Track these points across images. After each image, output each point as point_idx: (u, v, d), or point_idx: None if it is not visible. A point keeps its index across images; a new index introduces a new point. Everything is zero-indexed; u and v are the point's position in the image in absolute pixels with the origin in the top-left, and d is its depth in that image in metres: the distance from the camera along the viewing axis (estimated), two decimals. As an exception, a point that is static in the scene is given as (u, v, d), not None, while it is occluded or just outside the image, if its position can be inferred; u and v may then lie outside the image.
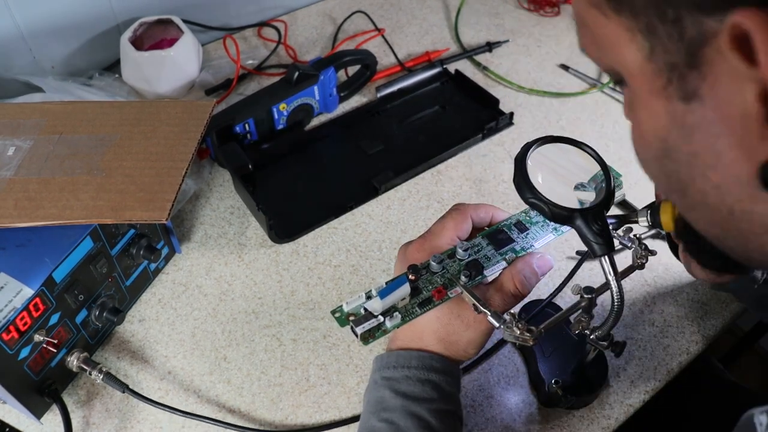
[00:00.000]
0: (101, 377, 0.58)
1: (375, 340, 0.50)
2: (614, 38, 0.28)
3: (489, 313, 0.50)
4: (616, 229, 0.51)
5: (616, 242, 0.48)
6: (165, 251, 0.70)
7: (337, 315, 0.51)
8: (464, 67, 0.95)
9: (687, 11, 0.24)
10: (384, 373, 0.53)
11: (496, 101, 0.87)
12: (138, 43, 0.86)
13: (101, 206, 0.56)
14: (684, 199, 0.31)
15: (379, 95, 0.89)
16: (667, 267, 0.70)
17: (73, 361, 0.59)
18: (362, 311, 0.50)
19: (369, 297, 0.51)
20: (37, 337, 0.55)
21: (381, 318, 0.50)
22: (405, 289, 0.50)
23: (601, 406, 0.60)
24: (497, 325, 0.49)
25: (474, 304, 0.50)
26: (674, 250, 0.49)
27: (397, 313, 0.51)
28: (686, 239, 0.43)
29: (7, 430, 0.58)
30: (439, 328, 0.52)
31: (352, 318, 0.50)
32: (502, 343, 0.64)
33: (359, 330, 0.49)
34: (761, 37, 0.22)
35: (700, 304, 0.68)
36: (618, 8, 0.27)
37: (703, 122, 0.27)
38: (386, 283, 0.51)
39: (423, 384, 0.51)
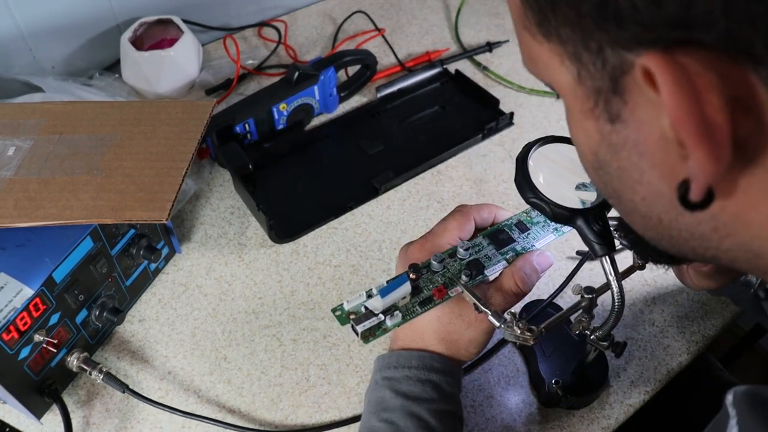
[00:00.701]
0: (101, 377, 0.58)
1: (375, 338, 0.50)
2: (546, 60, 0.29)
3: (489, 313, 0.50)
4: (617, 230, 0.51)
5: (616, 242, 0.48)
6: (165, 251, 0.70)
7: (337, 313, 0.51)
8: (464, 67, 0.95)
9: (607, 44, 0.25)
10: (385, 373, 0.53)
11: (496, 101, 0.87)
12: (138, 43, 0.86)
13: (101, 206, 0.56)
14: (619, 205, 0.33)
15: (379, 95, 0.89)
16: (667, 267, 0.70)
17: (73, 361, 0.59)
18: (363, 310, 0.51)
19: (370, 296, 0.51)
20: (37, 337, 0.54)
21: (381, 317, 0.50)
22: (406, 287, 0.50)
23: (601, 406, 0.60)
24: (498, 324, 0.49)
25: (474, 304, 0.50)
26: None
27: (397, 311, 0.51)
28: (632, 239, 0.45)
29: (7, 430, 0.58)
30: (440, 328, 0.52)
31: (352, 317, 0.50)
32: (502, 342, 0.64)
33: (360, 328, 0.49)
34: (663, 79, 0.23)
35: (700, 304, 0.68)
36: (547, 35, 0.28)
37: (627, 142, 0.28)
38: (387, 281, 0.52)
39: (423, 384, 0.51)
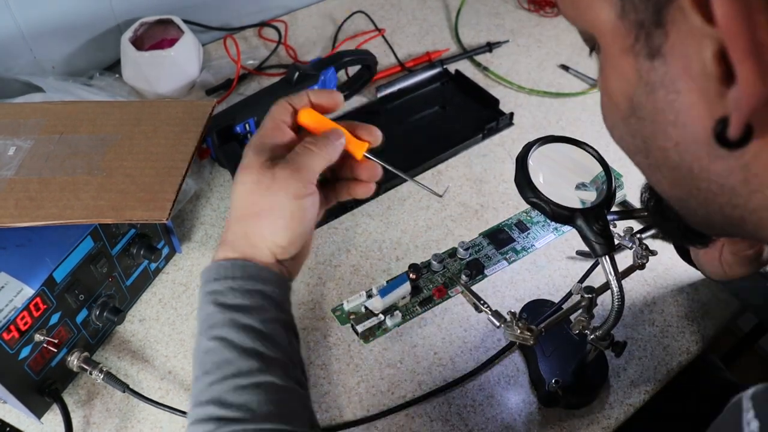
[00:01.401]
0: (101, 377, 0.58)
1: (376, 338, 0.50)
2: None
3: (489, 313, 0.50)
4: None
5: (616, 242, 0.48)
6: (165, 251, 0.70)
7: (337, 313, 0.51)
8: (464, 67, 0.95)
9: None
10: (208, 287, 0.48)
11: (496, 101, 0.87)
12: (138, 43, 0.86)
13: (102, 206, 0.56)
14: (647, 159, 0.32)
15: (379, 95, 0.89)
16: (667, 267, 0.70)
17: (74, 360, 0.59)
18: (363, 310, 0.51)
19: (370, 296, 0.51)
20: (38, 337, 0.55)
21: (381, 316, 0.50)
22: (405, 287, 0.51)
23: (601, 406, 0.60)
24: (497, 324, 0.49)
25: (474, 304, 0.50)
26: (682, 254, 0.49)
27: (397, 311, 0.51)
28: (652, 208, 0.44)
29: (8, 429, 0.58)
30: (240, 204, 0.48)
31: (352, 317, 0.50)
32: (510, 346, 0.64)
33: (360, 328, 0.49)
34: None
35: (700, 304, 0.68)
36: None
37: (666, 79, 0.28)
38: (387, 282, 0.52)
39: (251, 295, 0.47)
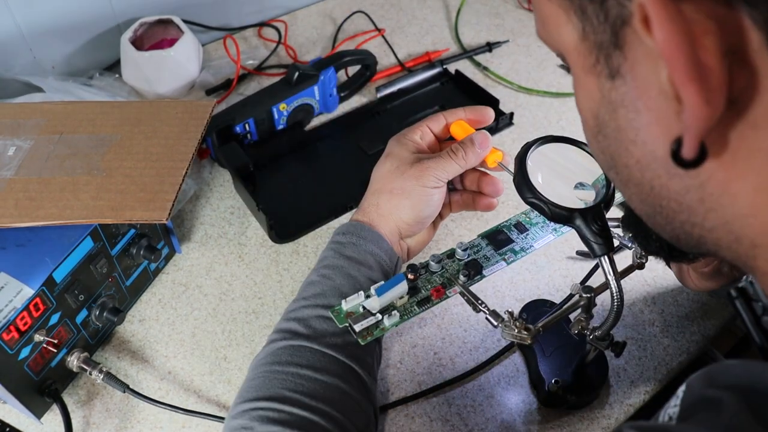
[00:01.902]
0: (101, 377, 0.58)
1: (373, 338, 0.50)
2: (555, 19, 0.30)
3: (487, 313, 0.50)
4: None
5: (615, 242, 0.48)
6: (165, 251, 0.70)
7: (335, 313, 0.51)
8: (464, 67, 0.95)
9: None
10: (335, 238, 0.58)
11: (496, 101, 0.87)
12: (138, 43, 0.86)
13: (101, 206, 0.56)
14: (617, 176, 0.33)
15: (379, 95, 0.89)
16: (666, 267, 0.70)
17: (74, 361, 0.59)
18: (361, 309, 0.51)
19: (368, 296, 0.51)
20: (38, 337, 0.55)
21: (379, 316, 0.50)
22: (402, 287, 0.51)
23: (601, 406, 0.60)
24: (495, 324, 0.49)
25: (473, 304, 0.50)
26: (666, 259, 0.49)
27: (395, 311, 0.51)
28: (633, 227, 0.45)
29: (8, 429, 0.58)
30: (378, 180, 0.58)
31: (350, 316, 0.50)
32: (510, 346, 0.64)
33: (357, 327, 0.49)
34: (654, 13, 0.23)
35: (700, 304, 0.68)
36: None
37: (626, 99, 0.28)
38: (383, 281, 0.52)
39: (364, 254, 0.56)
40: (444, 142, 0.61)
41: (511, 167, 0.51)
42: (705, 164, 0.27)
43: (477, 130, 0.59)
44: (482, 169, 0.60)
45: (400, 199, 0.56)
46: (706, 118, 0.24)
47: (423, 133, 0.60)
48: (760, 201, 0.26)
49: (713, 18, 0.23)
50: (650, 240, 0.43)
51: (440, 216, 0.61)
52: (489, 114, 0.60)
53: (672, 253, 0.43)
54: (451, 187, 0.62)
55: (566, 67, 0.34)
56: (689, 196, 0.29)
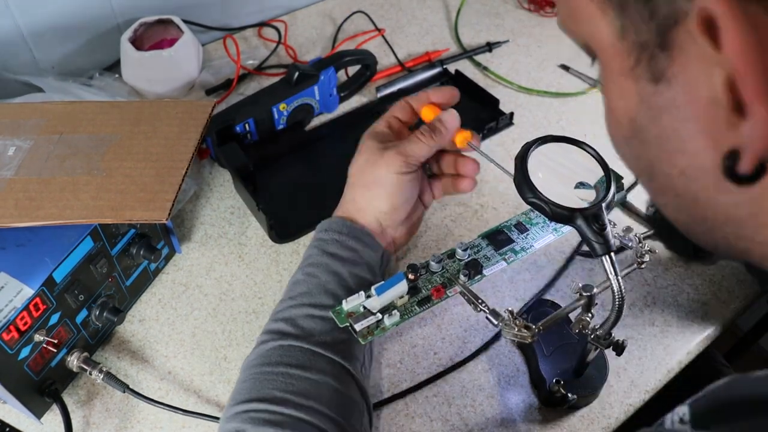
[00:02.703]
0: (101, 377, 0.58)
1: (374, 337, 0.50)
2: (588, 13, 0.28)
3: (487, 313, 0.50)
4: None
5: (616, 242, 0.48)
6: (165, 251, 0.70)
7: (336, 313, 0.51)
8: (464, 67, 0.95)
9: None
10: (318, 235, 0.59)
11: (496, 101, 0.87)
12: (138, 43, 0.86)
13: (101, 206, 0.56)
14: (652, 182, 0.31)
15: (379, 95, 0.89)
16: (667, 267, 0.70)
17: (74, 360, 0.59)
18: (361, 309, 0.51)
19: (369, 296, 0.51)
20: (38, 337, 0.55)
21: (379, 315, 0.50)
22: (402, 286, 0.51)
23: (601, 406, 0.60)
24: (495, 323, 0.49)
25: (473, 303, 0.50)
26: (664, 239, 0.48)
27: (396, 311, 0.51)
28: (659, 224, 0.44)
29: (8, 430, 0.58)
30: (354, 175, 0.59)
31: (351, 316, 0.50)
32: (496, 338, 0.64)
33: (357, 327, 0.49)
34: (726, 22, 0.21)
35: (700, 304, 0.68)
36: None
37: (671, 105, 0.26)
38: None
39: (348, 250, 0.56)
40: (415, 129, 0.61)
41: (484, 150, 0.54)
42: (763, 179, 0.25)
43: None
44: (457, 151, 0.61)
45: (375, 190, 0.58)
46: None
47: (390, 123, 0.61)
48: None
49: None
50: (676, 239, 0.41)
51: (423, 204, 0.63)
52: (454, 93, 0.61)
53: (697, 254, 0.42)
54: (430, 173, 0.64)
55: (592, 58, 0.31)
56: (740, 210, 0.27)
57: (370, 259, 0.57)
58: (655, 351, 0.64)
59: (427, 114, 0.61)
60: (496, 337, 0.64)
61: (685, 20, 0.23)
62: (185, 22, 0.88)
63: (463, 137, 0.58)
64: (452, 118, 0.58)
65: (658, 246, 0.71)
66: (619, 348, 0.51)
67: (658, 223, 0.44)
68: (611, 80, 0.29)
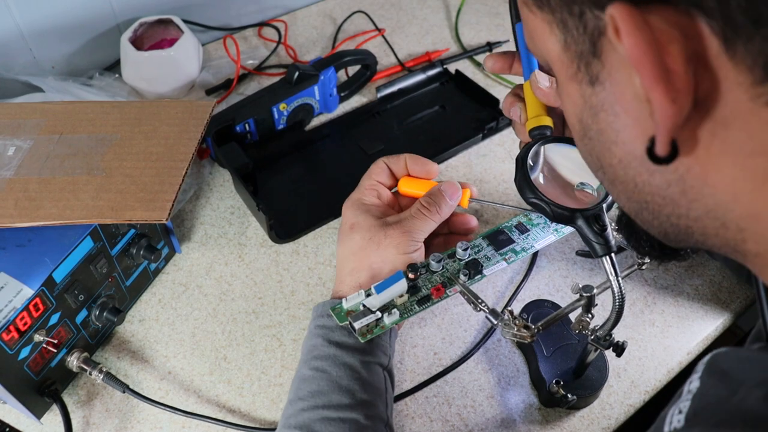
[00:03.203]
0: (101, 377, 0.58)
1: (373, 335, 0.50)
2: (540, 31, 0.32)
3: (487, 312, 0.50)
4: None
5: (616, 242, 0.48)
6: (165, 251, 0.70)
7: (336, 312, 0.51)
8: (464, 67, 0.95)
9: (587, 7, 0.28)
10: (318, 321, 0.54)
11: (496, 101, 0.87)
12: (138, 43, 0.86)
13: (101, 206, 0.56)
14: (604, 175, 0.35)
15: (379, 95, 0.89)
16: (667, 267, 0.70)
17: (73, 361, 0.59)
18: (361, 308, 0.51)
19: (368, 295, 0.51)
20: (37, 337, 0.54)
21: (379, 314, 0.50)
22: (402, 284, 0.51)
23: (601, 406, 0.60)
24: (494, 322, 0.49)
25: (473, 303, 0.50)
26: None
27: (395, 309, 0.51)
28: (625, 228, 0.45)
29: (7, 430, 0.58)
30: (353, 258, 0.54)
31: (350, 314, 0.50)
32: (489, 331, 0.64)
33: (357, 325, 0.49)
34: (623, 25, 0.25)
35: (700, 304, 0.68)
36: (540, 5, 0.31)
37: (605, 103, 0.30)
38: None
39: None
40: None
41: (484, 197, 0.52)
42: (680, 160, 0.28)
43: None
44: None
45: (383, 272, 0.54)
46: (673, 117, 0.26)
47: (379, 192, 0.58)
48: (739, 189, 0.28)
49: (677, 27, 0.25)
50: (641, 241, 0.43)
51: None
52: (435, 169, 0.59)
53: (663, 252, 0.44)
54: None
55: (550, 73, 0.36)
56: (671, 189, 0.30)
57: (380, 338, 0.53)
58: (655, 351, 0.64)
59: (406, 186, 0.58)
60: (496, 336, 0.64)
61: (606, 30, 0.27)
62: (185, 22, 0.88)
63: (466, 198, 0.57)
64: (455, 189, 0.56)
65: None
66: (619, 349, 0.51)
67: (623, 226, 0.45)
68: (563, 87, 0.34)
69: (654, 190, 0.31)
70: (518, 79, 0.93)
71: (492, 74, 0.94)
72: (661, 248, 0.43)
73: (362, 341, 0.50)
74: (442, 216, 0.56)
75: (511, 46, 1.00)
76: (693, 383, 0.33)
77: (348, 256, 0.55)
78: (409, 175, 0.59)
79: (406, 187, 0.59)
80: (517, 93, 0.54)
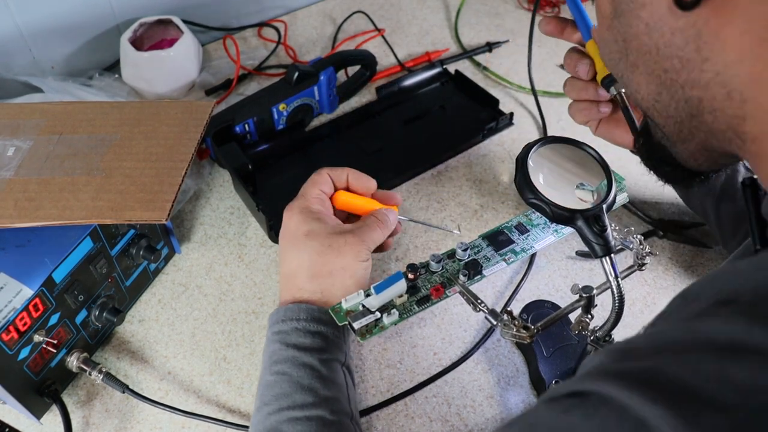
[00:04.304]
0: (101, 377, 0.58)
1: (372, 335, 0.50)
2: None
3: (486, 312, 0.50)
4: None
5: (616, 243, 0.49)
6: (165, 251, 0.70)
7: (335, 312, 0.51)
8: (464, 67, 0.95)
9: None
10: (275, 328, 0.54)
11: (496, 101, 0.87)
12: (138, 43, 0.86)
13: (101, 206, 0.56)
14: (627, 59, 0.39)
15: (379, 95, 0.89)
16: (666, 267, 0.70)
17: (73, 361, 0.59)
18: (360, 308, 0.51)
19: (368, 295, 0.51)
20: (37, 338, 0.54)
21: (378, 314, 0.50)
22: (401, 285, 0.51)
23: (601, 407, 0.60)
24: (494, 322, 0.49)
25: (472, 303, 0.50)
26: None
27: (395, 310, 0.51)
28: (647, 151, 0.46)
29: (7, 430, 0.58)
30: (311, 265, 0.55)
31: (350, 314, 0.50)
32: (489, 330, 0.64)
33: (356, 325, 0.49)
34: None
35: (700, 305, 0.68)
36: None
37: None
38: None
39: (312, 336, 0.53)
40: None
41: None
42: (699, 11, 0.32)
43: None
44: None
45: (344, 279, 0.54)
46: None
47: (323, 201, 0.59)
48: (746, 44, 0.31)
49: None
50: (664, 164, 0.45)
51: None
52: (373, 186, 0.61)
53: (683, 172, 0.44)
54: None
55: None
56: (688, 48, 0.34)
57: (336, 338, 0.54)
58: (655, 351, 0.64)
59: (343, 200, 0.60)
60: (496, 336, 0.64)
61: None
62: (185, 22, 0.88)
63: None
64: (395, 217, 0.60)
65: (657, 246, 0.71)
66: (619, 349, 0.51)
67: (645, 150, 0.46)
68: None
69: (673, 51, 0.35)
70: (522, 79, 0.93)
71: (492, 75, 0.94)
72: (683, 170, 0.44)
73: (362, 341, 0.50)
74: (389, 230, 0.58)
75: (511, 46, 1.00)
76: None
77: (304, 263, 0.55)
78: (347, 189, 0.61)
79: (344, 198, 0.60)
80: (579, 50, 0.57)
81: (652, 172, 0.48)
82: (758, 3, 0.30)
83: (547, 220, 0.53)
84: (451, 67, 0.94)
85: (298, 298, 0.55)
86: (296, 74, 0.81)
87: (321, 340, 0.53)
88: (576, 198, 0.49)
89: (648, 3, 0.35)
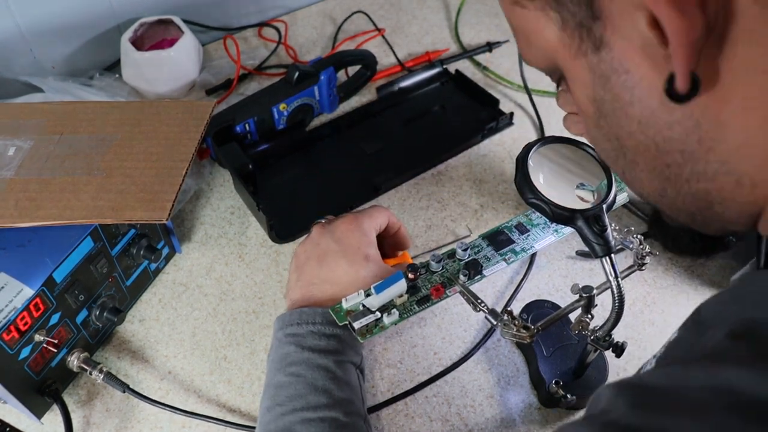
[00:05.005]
0: (101, 377, 0.58)
1: (372, 335, 0.50)
2: (535, 24, 0.32)
3: (486, 312, 0.50)
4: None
5: (616, 243, 0.49)
6: (165, 251, 0.70)
7: (336, 311, 0.51)
8: (464, 67, 0.95)
9: None
10: (288, 330, 0.54)
11: (496, 101, 0.87)
12: (138, 43, 0.86)
13: (102, 206, 0.56)
14: (625, 158, 0.35)
15: (379, 95, 0.89)
16: (666, 267, 0.70)
17: (74, 361, 0.59)
18: (361, 308, 0.51)
19: (368, 295, 0.51)
20: (38, 337, 0.55)
21: (378, 314, 0.50)
22: (401, 285, 0.51)
23: (601, 406, 0.60)
24: (494, 322, 0.49)
25: (473, 303, 0.51)
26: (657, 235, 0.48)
27: (395, 309, 0.51)
28: (661, 231, 0.45)
29: (8, 429, 0.58)
30: (363, 285, 0.54)
31: (350, 314, 0.50)
32: (490, 331, 0.64)
33: (356, 325, 0.49)
34: None
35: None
36: None
37: (614, 64, 0.30)
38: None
39: (328, 339, 0.53)
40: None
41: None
42: (697, 100, 0.28)
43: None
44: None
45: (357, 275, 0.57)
46: (686, 32, 0.26)
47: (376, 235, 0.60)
48: (751, 123, 0.28)
49: None
50: (678, 239, 0.43)
51: None
52: (408, 246, 0.65)
53: (704, 243, 0.43)
54: None
55: (558, 81, 0.36)
56: (689, 140, 0.30)
57: (350, 339, 0.54)
58: (655, 351, 0.64)
59: (396, 258, 0.65)
60: (496, 336, 0.64)
61: None
62: (185, 22, 0.88)
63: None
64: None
65: (657, 246, 0.71)
66: (619, 350, 0.51)
67: (658, 230, 0.44)
68: (570, 74, 0.33)
69: (674, 146, 0.31)
70: (518, 77, 0.93)
71: (492, 75, 0.94)
72: (701, 239, 0.43)
73: (361, 341, 0.51)
74: None
75: (511, 46, 1.00)
76: (673, 335, 0.34)
77: (357, 282, 0.55)
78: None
79: (396, 259, 0.65)
80: None
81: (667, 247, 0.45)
82: (758, 73, 0.27)
83: (547, 220, 0.53)
84: (451, 67, 0.94)
85: (313, 301, 0.55)
86: (296, 74, 0.81)
87: (336, 342, 0.53)
88: (576, 198, 0.49)
89: (636, 100, 0.31)
